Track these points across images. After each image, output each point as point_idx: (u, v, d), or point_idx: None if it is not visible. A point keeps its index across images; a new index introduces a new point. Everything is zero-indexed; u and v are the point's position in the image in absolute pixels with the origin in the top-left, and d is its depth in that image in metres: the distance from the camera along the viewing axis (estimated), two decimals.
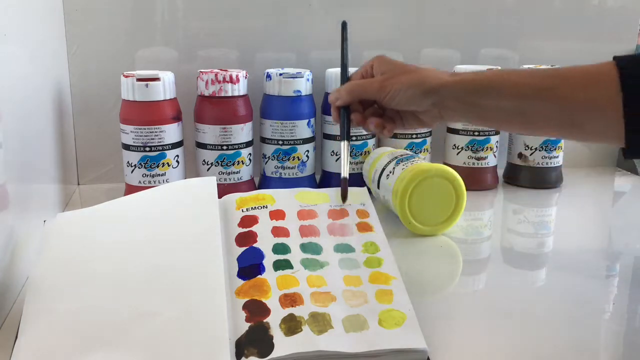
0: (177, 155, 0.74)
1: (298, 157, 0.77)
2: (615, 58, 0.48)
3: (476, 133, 0.82)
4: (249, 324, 0.42)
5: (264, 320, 0.43)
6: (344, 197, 0.58)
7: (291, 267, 0.49)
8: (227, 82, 0.73)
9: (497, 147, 0.84)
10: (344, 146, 0.61)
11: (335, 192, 0.59)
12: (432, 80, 0.54)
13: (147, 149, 0.71)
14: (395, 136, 0.82)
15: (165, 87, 0.71)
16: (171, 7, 0.82)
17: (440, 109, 0.55)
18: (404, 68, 0.57)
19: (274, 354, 0.40)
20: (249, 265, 0.49)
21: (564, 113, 0.49)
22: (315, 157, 0.80)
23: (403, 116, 0.60)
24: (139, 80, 0.70)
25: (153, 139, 0.71)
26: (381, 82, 0.56)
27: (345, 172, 0.59)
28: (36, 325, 0.42)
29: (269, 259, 0.49)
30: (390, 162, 0.71)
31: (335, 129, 0.79)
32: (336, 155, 0.80)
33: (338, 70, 0.79)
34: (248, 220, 0.54)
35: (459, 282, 0.58)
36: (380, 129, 0.59)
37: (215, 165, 0.75)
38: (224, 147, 0.74)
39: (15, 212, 0.52)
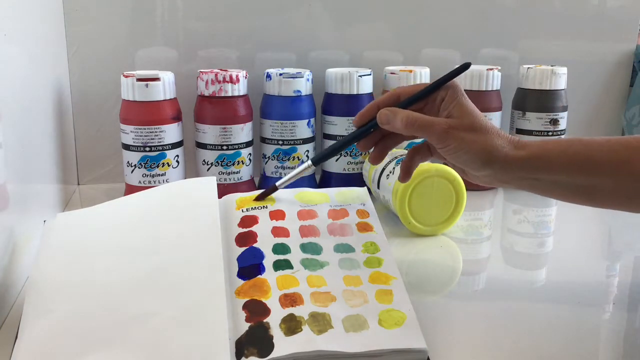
0: (177, 155, 0.74)
1: (298, 157, 0.77)
2: None
3: None
4: (249, 324, 0.42)
5: (264, 320, 0.43)
6: (260, 196, 0.56)
7: (291, 267, 0.49)
8: (227, 82, 0.73)
9: None
10: (306, 166, 0.57)
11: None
12: (496, 152, 0.50)
13: (147, 149, 0.71)
14: None
15: (165, 87, 0.71)
16: (171, 7, 0.82)
17: (494, 179, 0.52)
18: (473, 122, 0.51)
19: (274, 354, 0.40)
20: (249, 265, 0.49)
21: (638, 184, 0.48)
22: None
23: (448, 163, 0.55)
24: (139, 80, 0.70)
25: (153, 139, 0.71)
26: (446, 132, 0.51)
27: (281, 183, 0.57)
28: (36, 325, 0.42)
29: (269, 259, 0.49)
30: (390, 162, 0.71)
31: (335, 129, 0.79)
32: (336, 155, 0.79)
33: (339, 70, 0.80)
34: (248, 220, 0.54)
35: (459, 282, 0.58)
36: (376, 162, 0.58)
37: (215, 165, 0.75)
38: (224, 147, 0.74)
39: (15, 212, 0.52)
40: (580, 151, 0.49)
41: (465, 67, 0.55)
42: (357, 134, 0.56)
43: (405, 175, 0.58)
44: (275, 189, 0.57)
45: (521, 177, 0.50)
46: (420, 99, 0.54)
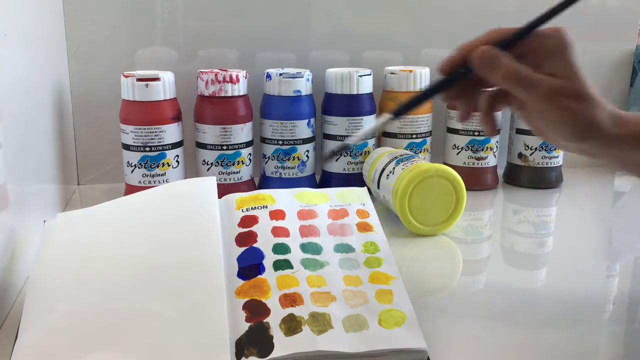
0: (177, 155, 0.74)
1: (298, 157, 0.77)
2: None
3: (476, 133, 0.82)
4: (249, 324, 0.42)
5: (264, 320, 0.43)
6: (328, 156, 0.51)
7: (291, 267, 0.49)
8: (227, 82, 0.73)
9: (497, 147, 0.84)
10: (386, 119, 0.49)
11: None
12: (597, 128, 0.44)
13: (147, 149, 0.71)
14: (395, 136, 0.82)
15: (165, 87, 0.71)
16: (171, 7, 0.82)
17: (582, 151, 0.47)
18: (581, 87, 0.45)
19: (274, 354, 0.40)
20: (249, 265, 0.49)
21: None
22: (315, 157, 0.80)
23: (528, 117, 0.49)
24: (139, 80, 0.70)
25: (153, 139, 0.71)
26: (550, 97, 0.45)
27: (355, 141, 0.51)
28: (36, 325, 0.42)
29: (269, 259, 0.49)
30: (390, 162, 0.71)
31: (335, 129, 0.79)
32: (336, 155, 0.79)
33: (339, 70, 0.80)
34: (248, 220, 0.54)
35: (459, 282, 0.58)
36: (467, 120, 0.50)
37: (215, 165, 0.75)
38: (224, 147, 0.74)
39: (15, 212, 0.52)
40: None
41: None
42: (445, 82, 0.48)
43: (492, 128, 0.50)
44: (346, 148, 0.51)
45: (613, 154, 0.46)
46: (528, 31, 0.47)
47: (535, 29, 0.47)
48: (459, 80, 0.48)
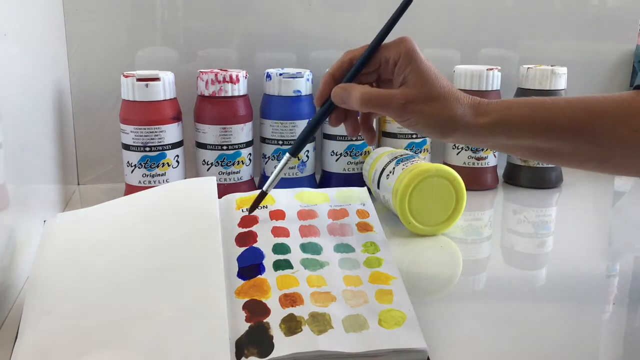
0: (177, 155, 0.74)
1: (298, 157, 0.77)
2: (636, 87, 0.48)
3: None
4: (249, 324, 0.42)
5: (264, 320, 0.43)
6: (252, 208, 0.54)
7: (291, 267, 0.49)
8: (227, 82, 0.73)
9: None
10: (286, 160, 0.55)
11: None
12: (457, 121, 0.49)
13: (147, 149, 0.71)
14: (395, 136, 0.82)
15: (165, 87, 0.71)
16: (171, 7, 0.82)
17: (457, 142, 0.52)
18: (430, 91, 0.49)
19: (274, 354, 0.40)
20: (249, 265, 0.49)
21: (597, 149, 0.49)
22: (315, 157, 0.80)
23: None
24: (139, 80, 0.70)
25: (153, 139, 0.71)
26: (403, 107, 0.49)
27: (268, 186, 0.55)
28: (36, 325, 0.42)
29: (269, 259, 0.49)
30: (390, 162, 0.71)
31: (335, 128, 0.79)
32: (336, 155, 0.80)
33: None
34: (248, 220, 0.54)
35: (459, 282, 0.58)
36: (357, 134, 0.56)
37: (215, 165, 0.75)
38: (224, 147, 0.74)
39: (15, 212, 0.52)
40: (543, 118, 0.49)
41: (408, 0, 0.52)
42: (321, 114, 0.54)
43: (371, 137, 0.57)
44: (265, 194, 0.55)
45: (484, 141, 0.51)
46: (367, 59, 0.52)
47: (379, 44, 0.51)
48: (332, 110, 0.53)
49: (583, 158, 0.50)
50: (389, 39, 0.52)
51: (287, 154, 0.55)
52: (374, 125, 0.56)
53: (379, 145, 0.83)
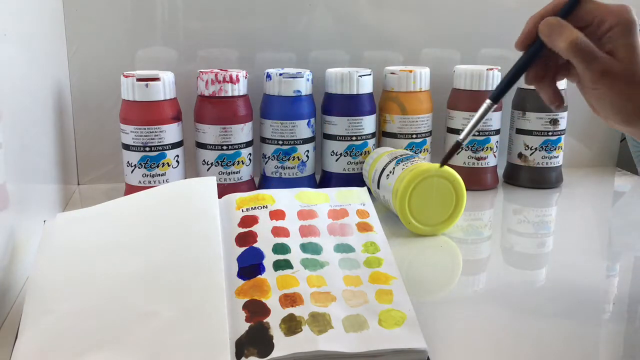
0: (177, 155, 0.74)
1: (298, 157, 0.77)
2: None
3: (476, 133, 0.82)
4: (249, 324, 0.42)
5: (264, 320, 0.43)
6: (443, 161, 0.53)
7: (291, 267, 0.49)
8: (227, 82, 0.73)
9: (497, 147, 0.84)
10: (487, 106, 0.51)
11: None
12: None
13: (147, 149, 0.71)
14: (395, 136, 0.82)
15: (165, 87, 0.71)
16: (171, 7, 0.82)
17: (631, 133, 0.47)
18: (636, 72, 0.45)
19: (274, 354, 0.40)
20: (249, 265, 0.49)
21: None
22: (315, 157, 0.80)
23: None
24: (139, 80, 0.70)
25: (153, 139, 0.71)
26: (602, 73, 0.45)
27: (465, 135, 0.52)
28: (36, 325, 0.42)
29: (269, 259, 0.49)
30: (390, 162, 0.71)
31: (335, 129, 0.79)
32: (336, 155, 0.79)
33: (339, 70, 0.80)
34: (248, 220, 0.54)
35: (459, 282, 0.58)
36: (554, 104, 0.51)
37: (215, 165, 0.75)
38: (224, 147, 0.74)
39: (15, 212, 0.52)
40: None
41: None
42: (529, 57, 0.49)
43: (559, 100, 0.51)
44: (459, 144, 0.52)
45: None
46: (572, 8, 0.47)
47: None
48: (537, 55, 0.48)
49: None
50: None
51: (488, 100, 0.51)
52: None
53: (378, 145, 0.83)
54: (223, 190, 0.63)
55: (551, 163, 0.85)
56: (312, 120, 0.78)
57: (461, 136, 0.52)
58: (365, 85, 0.79)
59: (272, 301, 0.45)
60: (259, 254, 0.50)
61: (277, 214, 0.55)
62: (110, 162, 0.84)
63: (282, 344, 0.40)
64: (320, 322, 0.43)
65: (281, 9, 0.85)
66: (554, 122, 0.83)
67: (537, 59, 0.49)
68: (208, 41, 0.84)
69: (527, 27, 0.49)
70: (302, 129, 0.77)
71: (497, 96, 0.51)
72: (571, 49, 0.45)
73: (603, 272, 0.62)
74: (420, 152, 0.82)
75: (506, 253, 0.67)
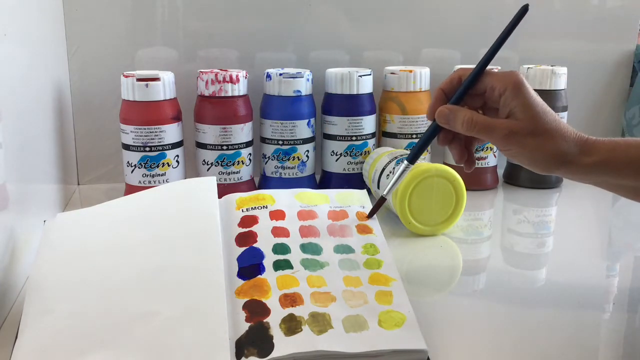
0: (177, 155, 0.74)
1: (298, 157, 0.77)
2: None
3: None
4: (249, 324, 0.42)
5: (264, 320, 0.43)
6: (371, 213, 0.57)
7: (291, 267, 0.49)
8: (227, 82, 0.73)
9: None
10: (404, 167, 0.57)
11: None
12: (561, 159, 0.49)
13: (147, 149, 0.71)
14: (395, 136, 0.82)
15: (165, 87, 0.71)
16: (171, 7, 0.82)
17: (559, 176, 0.51)
18: (536, 125, 0.49)
19: (274, 354, 0.40)
20: (249, 265, 0.49)
21: None
22: (315, 157, 0.80)
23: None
24: (139, 80, 0.70)
25: (153, 139, 0.71)
26: (507, 137, 0.49)
27: (387, 192, 0.58)
28: (36, 325, 0.42)
29: (269, 259, 0.49)
30: (390, 162, 0.71)
31: (335, 129, 0.79)
32: (336, 155, 0.80)
33: (339, 70, 0.80)
34: (248, 220, 0.54)
35: (459, 282, 0.58)
36: (463, 162, 0.56)
37: (215, 165, 0.75)
38: (224, 147, 0.74)
39: (15, 212, 0.52)
40: None
41: (524, 10, 0.52)
42: (432, 130, 0.54)
43: (467, 160, 0.56)
44: (384, 199, 0.57)
45: (588, 178, 0.51)
46: (474, 80, 0.52)
47: (486, 65, 0.52)
48: (439, 128, 0.54)
49: None
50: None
51: (406, 161, 0.57)
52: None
53: (378, 145, 0.83)
54: (223, 190, 0.63)
55: None
56: (312, 120, 0.78)
57: (385, 192, 0.58)
58: (365, 85, 0.79)
59: (272, 301, 0.45)
60: (259, 254, 0.50)
61: (277, 214, 0.55)
62: (110, 162, 0.84)
63: (282, 344, 0.40)
64: (320, 322, 0.43)
65: (281, 9, 0.85)
66: None
67: (440, 130, 0.54)
68: (208, 41, 0.84)
69: (432, 101, 0.54)
70: (302, 129, 0.77)
71: (412, 158, 0.57)
72: (468, 128, 0.51)
73: (603, 272, 0.62)
74: None
75: (506, 253, 0.67)
